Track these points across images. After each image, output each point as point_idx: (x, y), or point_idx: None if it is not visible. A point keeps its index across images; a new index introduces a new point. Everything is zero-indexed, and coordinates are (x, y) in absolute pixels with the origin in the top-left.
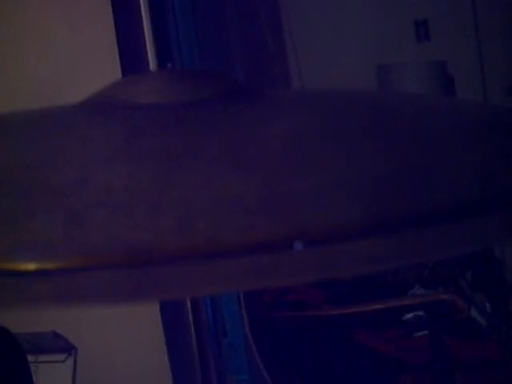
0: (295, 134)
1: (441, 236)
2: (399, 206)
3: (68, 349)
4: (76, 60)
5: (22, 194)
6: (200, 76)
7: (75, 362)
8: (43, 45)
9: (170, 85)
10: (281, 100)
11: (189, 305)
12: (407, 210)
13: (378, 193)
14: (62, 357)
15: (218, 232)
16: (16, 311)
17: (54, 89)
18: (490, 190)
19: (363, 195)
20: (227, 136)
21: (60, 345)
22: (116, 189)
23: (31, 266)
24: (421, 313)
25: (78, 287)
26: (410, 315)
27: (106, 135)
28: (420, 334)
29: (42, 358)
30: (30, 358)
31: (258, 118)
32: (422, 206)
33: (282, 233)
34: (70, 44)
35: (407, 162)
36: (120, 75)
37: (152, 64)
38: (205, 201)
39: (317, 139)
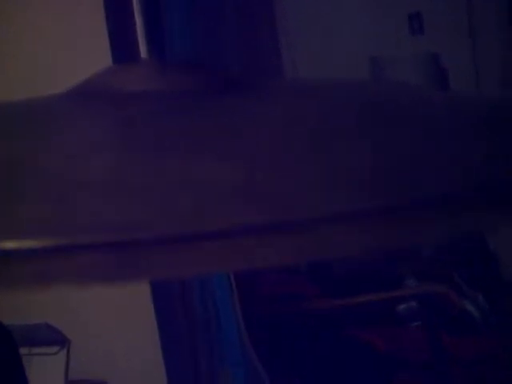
0: (287, 128)
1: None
2: (392, 203)
3: (61, 341)
4: (76, 60)
5: (8, 179)
6: (193, 67)
7: (68, 353)
8: (43, 45)
9: (162, 74)
10: (275, 92)
11: (179, 292)
12: (401, 207)
13: (376, 192)
14: (54, 349)
15: (203, 213)
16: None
17: (53, 89)
18: (488, 189)
19: (353, 186)
20: (218, 127)
21: (53, 337)
22: (103, 172)
23: (12, 245)
24: (413, 303)
25: (62, 267)
26: (402, 306)
27: (95, 123)
28: (414, 324)
29: (35, 350)
30: (22, 350)
31: (250, 110)
32: (417, 204)
33: (266, 216)
34: (70, 44)
35: (404, 158)
36: None
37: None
38: (191, 185)
39: (310, 131)
